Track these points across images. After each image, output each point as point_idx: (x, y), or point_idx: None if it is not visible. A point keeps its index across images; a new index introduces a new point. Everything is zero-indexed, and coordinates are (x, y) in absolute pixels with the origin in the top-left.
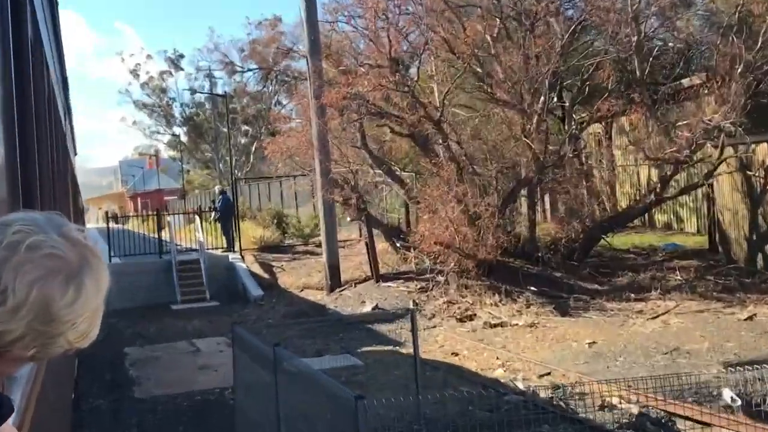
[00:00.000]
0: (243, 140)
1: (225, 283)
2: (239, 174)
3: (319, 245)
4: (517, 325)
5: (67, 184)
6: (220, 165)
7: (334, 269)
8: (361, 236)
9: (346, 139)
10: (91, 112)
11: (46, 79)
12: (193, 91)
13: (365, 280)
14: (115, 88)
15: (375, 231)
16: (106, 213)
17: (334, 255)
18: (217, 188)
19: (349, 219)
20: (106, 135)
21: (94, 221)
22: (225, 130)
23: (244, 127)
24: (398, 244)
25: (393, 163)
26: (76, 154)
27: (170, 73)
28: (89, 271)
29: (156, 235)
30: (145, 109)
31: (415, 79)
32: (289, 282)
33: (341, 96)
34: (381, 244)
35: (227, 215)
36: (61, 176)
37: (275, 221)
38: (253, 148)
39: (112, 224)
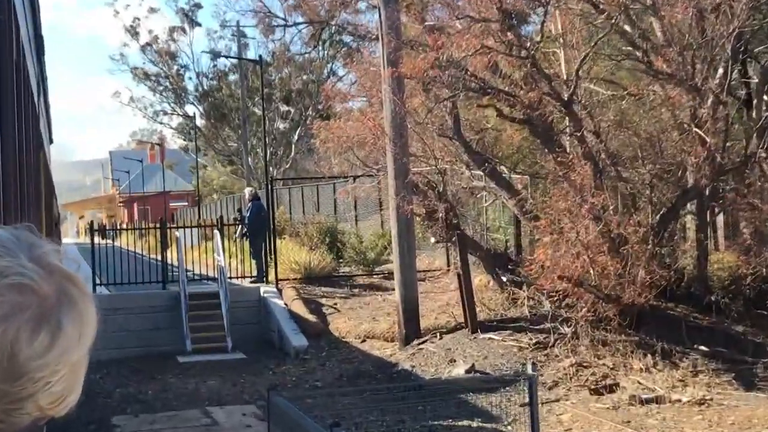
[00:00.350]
0: (282, 125)
1: (254, 326)
2: (276, 173)
3: (389, 276)
4: (679, 401)
5: (39, 184)
6: (250, 159)
7: (410, 312)
8: (449, 265)
9: (432, 126)
10: (74, 85)
11: (14, 37)
12: (215, 55)
13: (455, 328)
14: (105, 52)
15: (471, 258)
16: (90, 224)
17: (411, 291)
18: (246, 191)
19: (433, 240)
20: (93, 116)
21: (72, 234)
22: (258, 110)
23: (284, 108)
24: (504, 278)
25: (498, 161)
26: (51, 143)
27: (182, 31)
28: (70, 310)
29: (159, 257)
30: (146, 80)
31: (537, 40)
32: (345, 328)
33: (427, 63)
34: (479, 278)
35: (259, 230)
36: (30, 172)
37: (326, 240)
38: (296, 137)
39: (98, 240)
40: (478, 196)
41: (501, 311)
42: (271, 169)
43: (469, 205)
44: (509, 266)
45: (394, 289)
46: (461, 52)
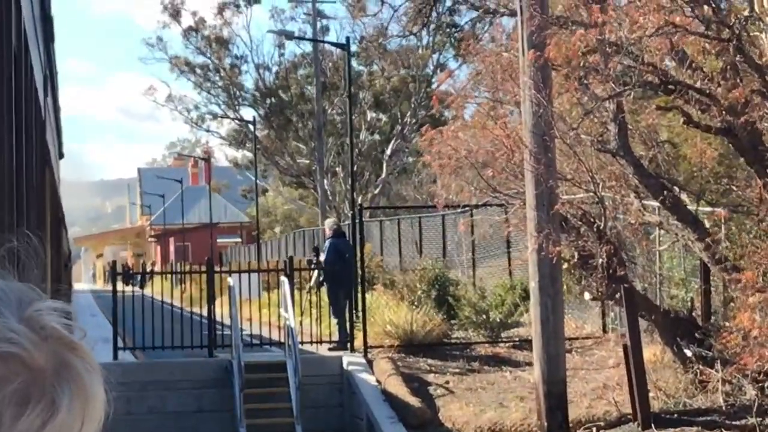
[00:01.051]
0: (369, 137)
1: (334, 411)
2: (362, 200)
3: (521, 345)
4: None
5: (43, 210)
6: (326, 181)
7: (556, 397)
8: (605, 331)
9: (587, 138)
10: (93, 79)
11: (12, 18)
12: (286, 36)
13: (619, 422)
14: (136, 41)
15: (641, 323)
16: (112, 265)
17: (556, 368)
18: (326, 224)
19: (587, 296)
20: (118, 124)
21: (88, 278)
22: (337, 115)
23: (372, 114)
24: (689, 352)
25: (681, 188)
26: (61, 157)
27: (236, 9)
28: (69, 386)
29: (204, 312)
30: (190, 73)
31: (743, 17)
32: (461, 417)
33: (586, 45)
34: (651, 350)
35: (341, 278)
36: (31, 196)
37: (433, 294)
38: (388, 152)
39: (121, 286)
40: (651, 236)
41: (684, 398)
42: (354, 194)
43: (637, 247)
44: (696, 335)
45: (529, 364)
46: (635, 32)
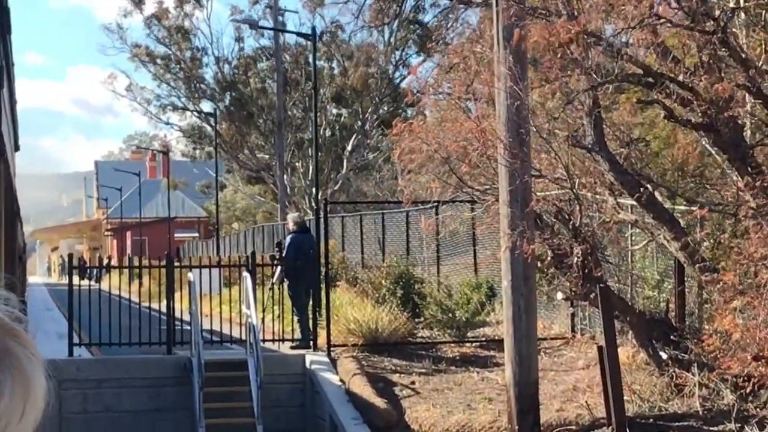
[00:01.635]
0: (329, 132)
1: (296, 411)
2: (322, 196)
3: (487, 345)
4: None
5: None
6: (287, 176)
7: (527, 400)
8: (574, 332)
9: (562, 133)
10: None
11: None
12: (251, 25)
13: (593, 426)
14: (97, 31)
15: (616, 324)
16: (68, 258)
17: (528, 370)
18: (290, 218)
19: (560, 296)
20: (74, 117)
21: (42, 271)
22: (297, 111)
23: (333, 110)
24: (664, 355)
25: (659, 184)
26: (17, 150)
27: (197, 2)
28: (11, 374)
29: (162, 309)
30: (151, 64)
31: (729, 9)
32: (428, 419)
33: (564, 36)
34: (624, 351)
35: (303, 274)
36: None
37: (398, 292)
38: (349, 148)
39: (77, 280)
40: (626, 234)
41: (659, 402)
42: (314, 190)
43: (610, 247)
44: (671, 337)
45: (497, 365)
46: (617, 23)
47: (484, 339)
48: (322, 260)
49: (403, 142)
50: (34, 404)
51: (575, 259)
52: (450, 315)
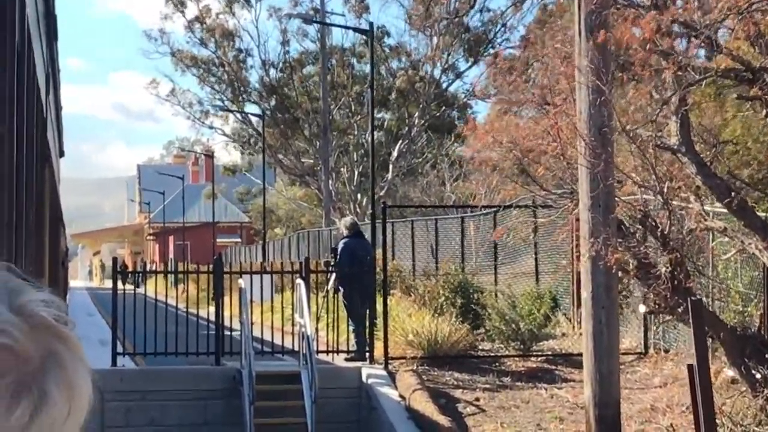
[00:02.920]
0: (371, 137)
1: (351, 427)
2: (366, 202)
3: (554, 360)
4: None
5: (42, 208)
6: (331, 181)
7: (609, 422)
8: (647, 348)
9: (644, 133)
10: (92, 76)
11: (15, 15)
12: (305, 20)
13: None
14: (138, 38)
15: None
16: (113, 262)
17: (610, 389)
18: (344, 222)
19: (643, 309)
20: (115, 120)
21: (84, 275)
22: (340, 117)
23: (378, 115)
24: (757, 374)
25: (750, 188)
26: (62, 155)
27: (246, 1)
28: (58, 377)
29: (206, 315)
30: (194, 68)
31: None
32: None
33: (649, 30)
34: (715, 368)
35: (359, 282)
36: (31, 193)
37: (457, 302)
38: (395, 153)
39: (123, 286)
40: (710, 243)
41: (752, 427)
42: (359, 195)
43: (697, 257)
44: (766, 355)
45: (563, 380)
46: (712, 13)
47: (550, 353)
48: (379, 267)
49: (476, 140)
50: (80, 407)
51: (663, 269)
52: (514, 327)
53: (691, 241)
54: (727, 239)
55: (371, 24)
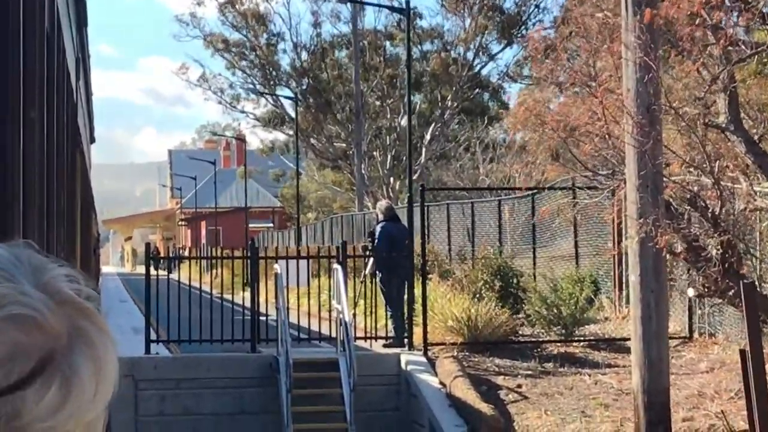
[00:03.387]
0: (403, 121)
1: (391, 416)
2: (400, 186)
3: (599, 345)
4: None
5: (74, 194)
6: (365, 165)
7: (658, 409)
8: (691, 331)
9: (691, 111)
10: (121, 61)
11: None
12: None
13: None
14: (168, 23)
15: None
16: (146, 248)
17: (659, 375)
18: (380, 206)
19: (692, 293)
20: (145, 105)
21: (115, 261)
22: (374, 100)
23: (413, 97)
24: None
25: None
26: (92, 142)
27: None
28: (85, 354)
29: (239, 301)
30: (225, 52)
31: None
32: (540, 427)
33: (698, 2)
34: (766, 352)
35: (397, 266)
36: (62, 179)
37: (496, 285)
38: (428, 137)
39: (154, 272)
40: (763, 224)
41: None
42: (392, 179)
43: (754, 236)
44: None
45: (606, 366)
46: None
47: (593, 338)
48: (417, 251)
49: (523, 117)
50: (106, 384)
51: (714, 251)
52: (556, 311)
53: (742, 222)
54: None
55: (407, 2)
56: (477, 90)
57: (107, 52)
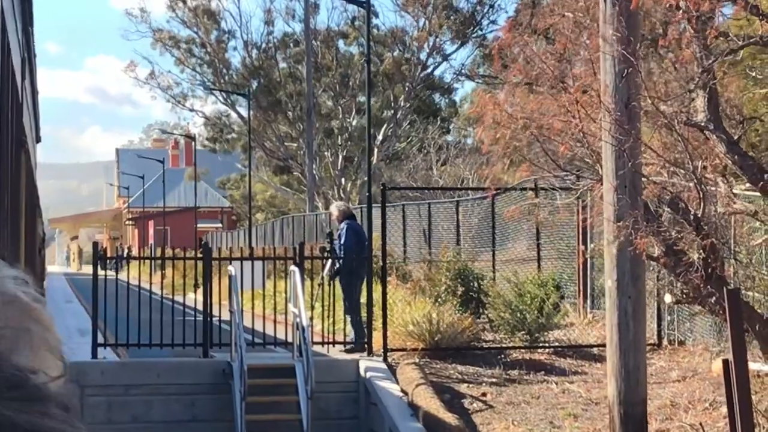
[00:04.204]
0: (355, 121)
1: (349, 425)
2: (351, 187)
3: (565, 351)
4: None
5: (18, 193)
6: (316, 166)
7: (634, 421)
8: (660, 338)
9: (669, 109)
10: (68, 60)
11: None
12: None
13: None
14: (114, 15)
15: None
16: (94, 247)
17: (636, 385)
18: (333, 208)
19: (668, 299)
20: (92, 104)
21: (61, 260)
22: (327, 100)
23: (362, 98)
24: None
25: None
26: (38, 141)
27: None
28: (28, 356)
29: (190, 303)
30: (174, 48)
31: None
32: None
33: None
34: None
35: (359, 268)
36: (7, 178)
37: (458, 289)
38: (380, 138)
39: (101, 272)
40: (744, 226)
41: None
42: (343, 180)
43: (733, 238)
44: None
45: (573, 374)
46: None
47: (558, 345)
48: (375, 252)
49: (486, 116)
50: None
51: (697, 254)
52: (520, 316)
53: (725, 225)
54: (758, 224)
55: None
56: (430, 91)
57: (54, 50)
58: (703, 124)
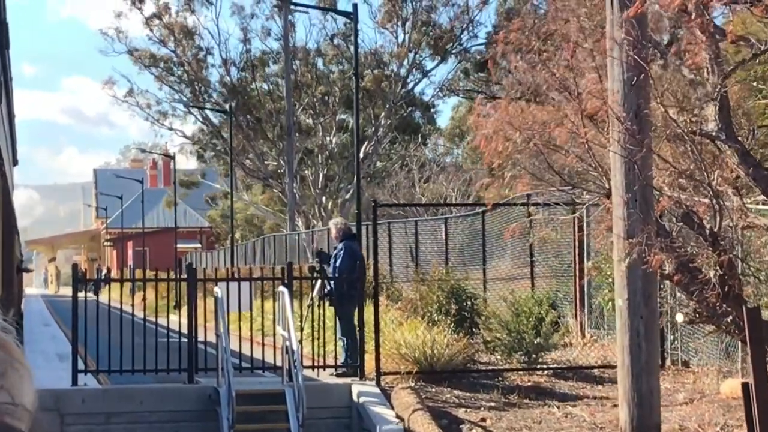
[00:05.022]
0: (336, 139)
1: None
2: (332, 206)
3: (565, 373)
4: None
5: None
6: (297, 184)
7: None
8: (664, 359)
9: (680, 118)
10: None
11: None
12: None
13: None
14: (89, 35)
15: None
16: (73, 269)
17: (649, 411)
18: (334, 223)
19: (680, 318)
20: (68, 125)
21: (39, 282)
22: (307, 118)
23: (343, 117)
24: None
25: None
26: (15, 164)
27: (207, 1)
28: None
29: (172, 326)
30: (152, 67)
31: None
32: None
33: None
34: (743, 380)
35: (353, 290)
36: None
37: (451, 309)
38: (361, 155)
39: (81, 294)
40: (758, 242)
41: None
42: (324, 199)
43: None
44: None
45: (576, 397)
46: None
47: (557, 366)
48: (372, 272)
49: (483, 126)
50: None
51: (712, 273)
52: (518, 337)
53: (738, 240)
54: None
55: (355, 6)
56: (411, 108)
57: (29, 72)
58: (714, 133)
